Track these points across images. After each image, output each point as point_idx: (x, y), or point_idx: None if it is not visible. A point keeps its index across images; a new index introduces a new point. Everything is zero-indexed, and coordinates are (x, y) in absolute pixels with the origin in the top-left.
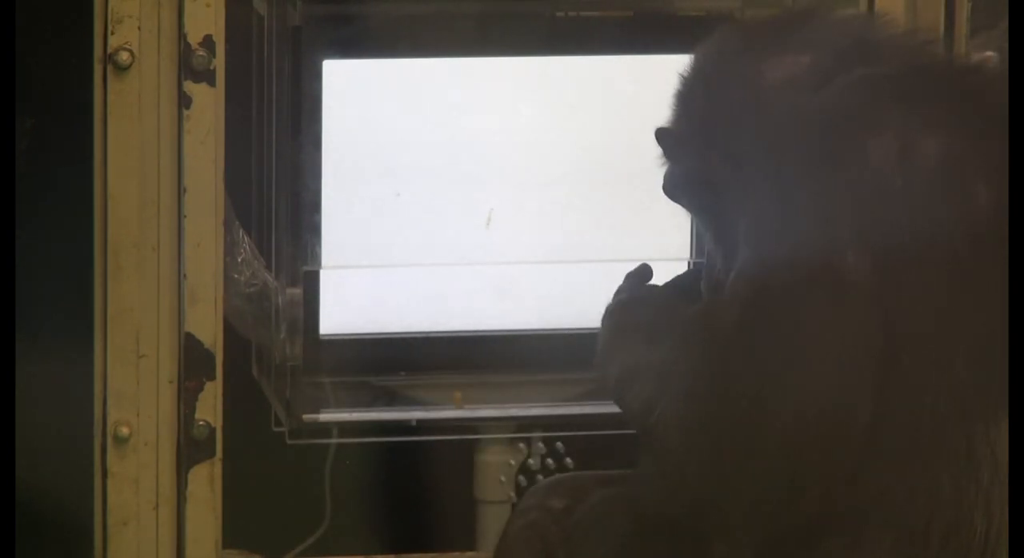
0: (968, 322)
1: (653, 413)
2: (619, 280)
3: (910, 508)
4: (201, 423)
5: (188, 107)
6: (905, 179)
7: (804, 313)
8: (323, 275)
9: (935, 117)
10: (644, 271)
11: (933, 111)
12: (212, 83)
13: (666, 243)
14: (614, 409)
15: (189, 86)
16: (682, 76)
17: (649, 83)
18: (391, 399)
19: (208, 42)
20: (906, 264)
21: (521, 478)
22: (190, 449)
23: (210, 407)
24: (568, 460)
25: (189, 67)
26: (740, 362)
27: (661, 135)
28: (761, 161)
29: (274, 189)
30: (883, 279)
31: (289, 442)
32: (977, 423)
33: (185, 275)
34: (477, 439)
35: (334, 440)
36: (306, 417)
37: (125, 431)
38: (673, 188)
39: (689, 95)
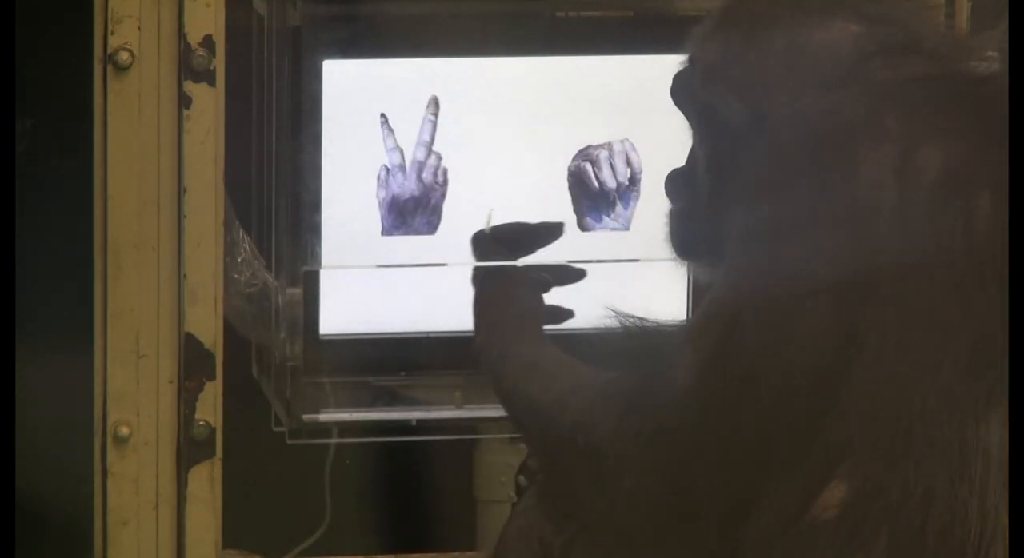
0: (959, 326)
1: (598, 428)
2: (619, 280)
3: (905, 508)
4: (201, 423)
5: (188, 107)
6: (900, 192)
7: (788, 325)
8: (323, 275)
9: (941, 127)
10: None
11: (941, 121)
12: (212, 83)
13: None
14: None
15: (189, 86)
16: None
17: (649, 83)
18: (391, 399)
19: (208, 42)
20: (898, 274)
21: (521, 478)
22: (190, 449)
23: (210, 407)
24: None
25: (189, 67)
26: (724, 374)
27: (695, 37)
28: (774, 114)
29: (274, 189)
30: (871, 289)
31: (289, 442)
32: (968, 421)
33: (185, 275)
34: (477, 439)
35: (334, 440)
36: (306, 417)
37: (125, 431)
38: (686, 88)
39: (730, 25)
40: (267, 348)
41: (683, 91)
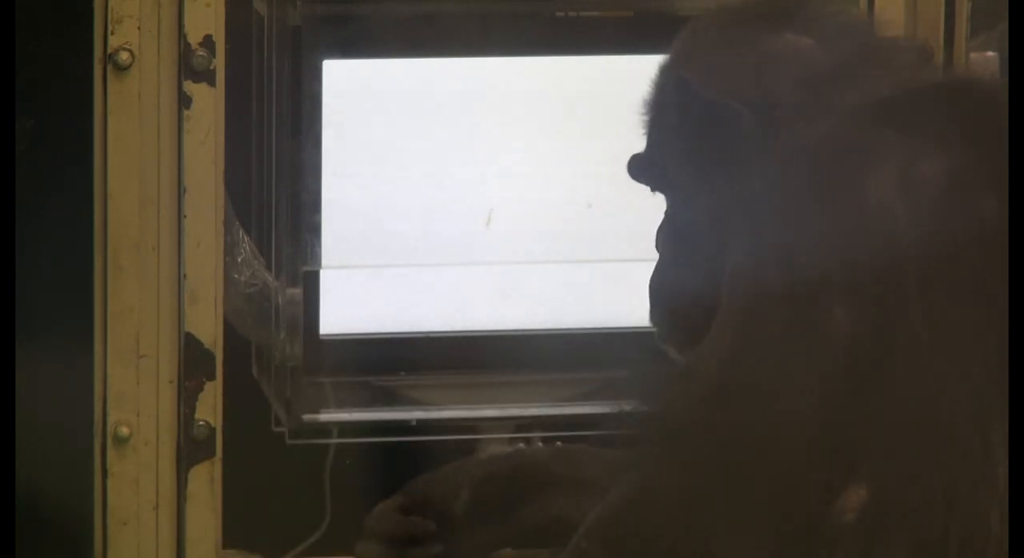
0: (988, 327)
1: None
2: (619, 279)
3: (927, 513)
4: (201, 423)
5: (188, 107)
6: (907, 206)
7: (810, 330)
8: (323, 275)
9: (935, 140)
10: None
11: (932, 134)
12: (212, 83)
13: None
14: (614, 408)
15: (189, 86)
16: (676, 51)
17: (649, 83)
18: (391, 399)
19: (208, 42)
20: (919, 282)
21: None
22: (190, 449)
23: (210, 407)
24: None
25: (189, 67)
26: (746, 378)
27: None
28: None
29: (274, 189)
30: (896, 298)
31: (289, 442)
32: (993, 424)
33: (185, 275)
34: (477, 439)
35: (334, 440)
36: (306, 417)
37: (125, 431)
38: (650, 164)
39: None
40: (267, 348)
41: (642, 158)
